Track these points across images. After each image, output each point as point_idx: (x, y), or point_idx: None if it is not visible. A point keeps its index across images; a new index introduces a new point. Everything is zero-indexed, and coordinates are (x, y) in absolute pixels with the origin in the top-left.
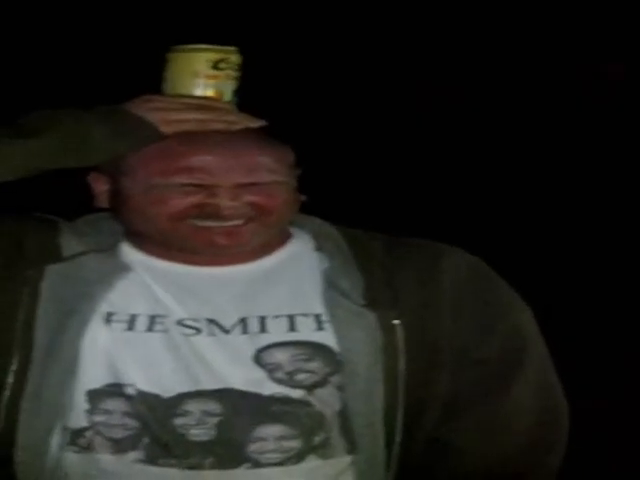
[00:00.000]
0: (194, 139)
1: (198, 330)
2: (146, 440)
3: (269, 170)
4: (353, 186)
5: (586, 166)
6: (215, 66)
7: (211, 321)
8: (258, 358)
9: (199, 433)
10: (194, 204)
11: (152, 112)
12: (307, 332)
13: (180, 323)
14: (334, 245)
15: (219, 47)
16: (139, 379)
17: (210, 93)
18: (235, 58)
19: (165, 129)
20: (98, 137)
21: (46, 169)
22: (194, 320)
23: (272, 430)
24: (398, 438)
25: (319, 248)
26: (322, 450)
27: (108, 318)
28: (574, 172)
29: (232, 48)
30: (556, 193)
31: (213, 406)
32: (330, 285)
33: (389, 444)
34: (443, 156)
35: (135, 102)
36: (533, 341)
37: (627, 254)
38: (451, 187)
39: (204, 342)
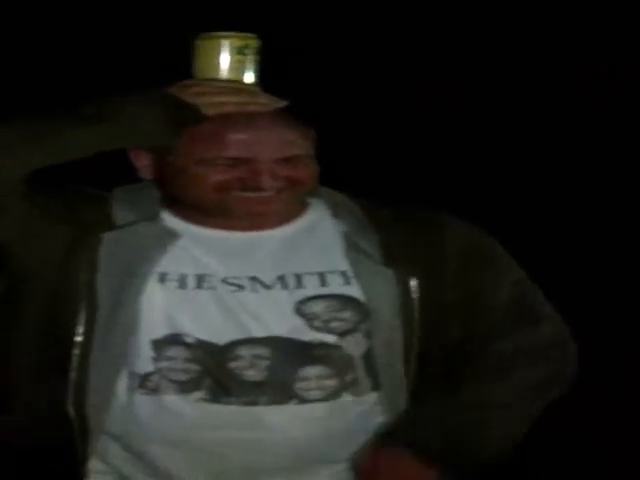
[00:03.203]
0: (231, 119)
1: (241, 287)
2: (207, 381)
3: (298, 145)
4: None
5: (586, 165)
6: (240, 51)
7: (253, 278)
8: (298, 309)
9: (253, 374)
10: (237, 177)
11: (195, 96)
12: (336, 286)
13: (225, 281)
14: (348, 211)
15: (242, 34)
16: (195, 329)
17: (236, 77)
18: (256, 43)
19: (208, 111)
20: (153, 122)
21: (105, 151)
22: (237, 278)
23: (313, 370)
24: (413, 376)
25: (335, 214)
26: (353, 388)
27: (162, 278)
28: (574, 172)
29: (253, 35)
30: (556, 193)
31: (262, 351)
32: (351, 246)
33: (409, 381)
34: (444, 152)
35: (178, 87)
36: (537, 290)
37: (623, 259)
38: (452, 185)
39: (249, 297)
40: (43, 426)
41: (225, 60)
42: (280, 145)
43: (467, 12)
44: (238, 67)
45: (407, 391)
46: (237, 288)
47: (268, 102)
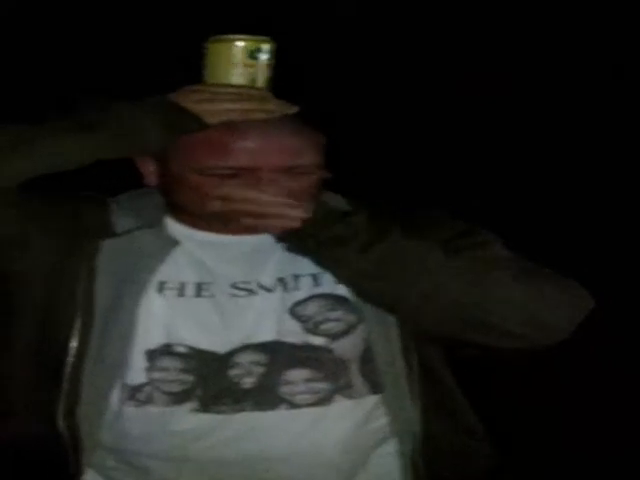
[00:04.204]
0: (236, 126)
1: (249, 291)
2: (199, 392)
3: (304, 154)
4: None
5: (586, 165)
6: (252, 55)
7: (257, 282)
8: (294, 312)
9: (249, 381)
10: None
11: (198, 103)
12: (328, 286)
13: (234, 286)
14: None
15: (255, 37)
16: (193, 339)
17: (248, 81)
18: (270, 47)
19: (210, 120)
20: (150, 130)
21: (102, 159)
22: (245, 282)
23: (300, 373)
24: (416, 371)
25: None
26: (347, 391)
27: (161, 287)
28: (576, 173)
29: (267, 38)
30: (560, 195)
31: (259, 357)
32: None
33: (410, 378)
34: (452, 158)
35: (182, 93)
36: None
37: (623, 259)
38: (458, 188)
39: (251, 302)
40: (36, 438)
41: (236, 64)
42: (284, 154)
43: (472, 15)
44: (250, 72)
45: (410, 390)
46: (247, 293)
47: (276, 109)
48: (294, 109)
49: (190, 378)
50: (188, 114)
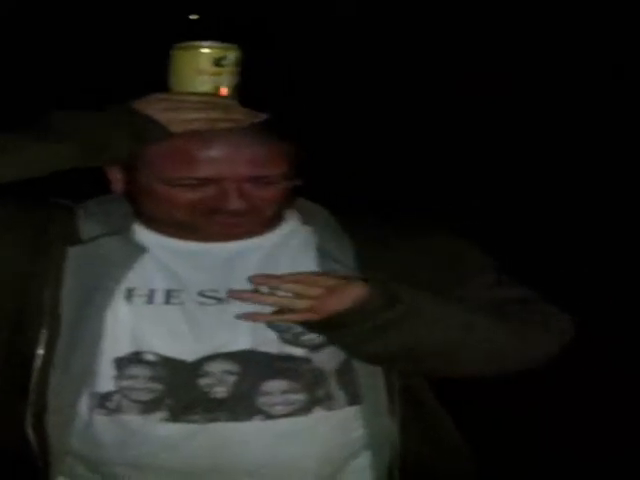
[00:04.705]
0: (201, 135)
1: (218, 300)
2: (169, 401)
3: (271, 163)
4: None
5: (585, 168)
6: (218, 63)
7: (230, 291)
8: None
9: (220, 390)
10: (204, 198)
11: (163, 112)
12: None
13: (201, 294)
14: (321, 218)
15: (221, 44)
16: (162, 347)
17: (213, 89)
18: (236, 54)
19: (175, 129)
20: (115, 140)
21: (67, 168)
22: (214, 291)
23: (277, 384)
24: (397, 385)
25: (306, 222)
26: (327, 402)
27: (129, 294)
28: (574, 178)
29: (233, 45)
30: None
31: (231, 366)
32: (324, 255)
33: (390, 393)
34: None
35: (146, 101)
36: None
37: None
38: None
39: (223, 309)
40: (5, 446)
41: (202, 71)
42: (250, 164)
43: (472, 15)
44: (215, 79)
45: (389, 403)
46: (215, 301)
47: (243, 117)
48: (261, 117)
49: (159, 387)
50: (153, 122)
